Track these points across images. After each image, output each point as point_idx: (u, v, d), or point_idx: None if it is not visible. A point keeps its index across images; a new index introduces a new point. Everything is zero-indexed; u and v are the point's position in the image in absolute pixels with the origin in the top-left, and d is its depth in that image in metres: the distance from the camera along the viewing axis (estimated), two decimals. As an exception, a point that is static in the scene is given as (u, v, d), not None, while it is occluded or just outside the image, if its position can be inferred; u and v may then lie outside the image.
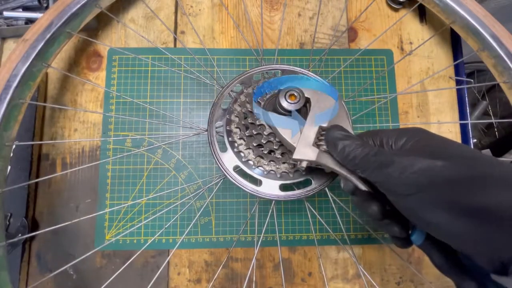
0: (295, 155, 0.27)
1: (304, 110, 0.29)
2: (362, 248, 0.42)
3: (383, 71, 0.45)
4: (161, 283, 0.40)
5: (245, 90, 0.34)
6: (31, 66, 0.34)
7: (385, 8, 0.48)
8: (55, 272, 0.33)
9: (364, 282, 0.40)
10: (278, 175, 0.31)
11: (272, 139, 0.30)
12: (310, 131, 0.27)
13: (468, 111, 0.44)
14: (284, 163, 0.31)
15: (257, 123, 0.31)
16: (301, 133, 0.27)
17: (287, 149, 0.31)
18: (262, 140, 0.30)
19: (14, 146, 0.39)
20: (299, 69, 0.36)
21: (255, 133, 0.31)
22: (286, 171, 0.31)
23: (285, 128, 0.28)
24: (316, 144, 0.27)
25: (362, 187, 0.26)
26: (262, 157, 0.31)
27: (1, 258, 0.31)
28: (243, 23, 0.46)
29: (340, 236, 0.41)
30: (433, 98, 0.46)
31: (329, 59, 0.45)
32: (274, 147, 0.30)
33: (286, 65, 0.36)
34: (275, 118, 0.28)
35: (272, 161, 0.31)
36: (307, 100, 0.29)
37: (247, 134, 0.31)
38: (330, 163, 0.27)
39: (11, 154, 0.39)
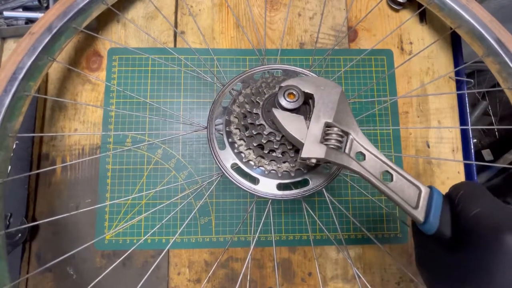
0: (304, 154, 0.26)
1: (303, 108, 0.29)
2: (362, 248, 0.42)
3: (383, 73, 0.45)
4: (161, 283, 0.40)
5: (243, 91, 0.33)
6: (37, 59, 0.34)
7: (385, 8, 0.48)
8: (51, 263, 0.33)
9: (359, 283, 0.40)
10: (279, 174, 0.31)
11: (272, 138, 0.30)
12: (316, 128, 0.27)
13: (468, 112, 0.44)
14: (284, 162, 0.31)
15: (257, 123, 0.31)
16: (307, 129, 0.27)
17: (287, 148, 0.31)
18: (262, 140, 0.30)
19: (14, 146, 0.39)
20: (300, 69, 0.36)
21: (255, 133, 0.31)
22: (287, 170, 0.31)
23: (292, 125, 0.27)
24: (324, 139, 0.27)
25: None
26: (263, 157, 0.31)
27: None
28: (243, 23, 0.46)
29: (340, 236, 0.41)
30: (433, 98, 0.46)
31: (329, 59, 0.45)
32: (275, 147, 0.30)
33: (288, 65, 0.36)
34: (280, 115, 0.28)
35: (273, 160, 0.31)
36: (309, 97, 0.29)
37: (247, 135, 0.31)
38: (342, 160, 0.27)
39: (12, 153, 0.39)
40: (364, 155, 0.28)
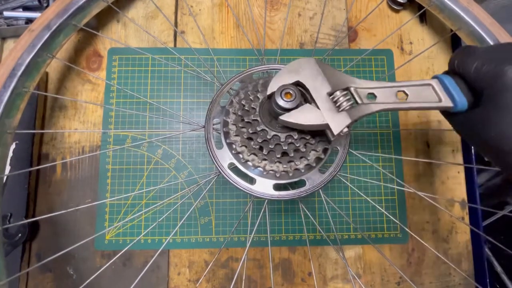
0: (335, 130, 0.27)
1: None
2: (362, 248, 0.42)
3: (383, 73, 0.45)
4: (161, 283, 0.40)
5: (231, 110, 0.32)
6: (36, 56, 0.35)
7: (385, 8, 0.48)
8: (48, 259, 0.33)
9: (353, 284, 0.40)
10: (303, 170, 0.31)
11: (290, 140, 0.30)
12: (325, 103, 0.27)
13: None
14: (302, 157, 0.31)
15: (258, 129, 0.30)
16: (320, 110, 0.27)
17: (306, 139, 0.30)
18: (270, 146, 0.30)
19: (14, 146, 0.39)
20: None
21: (260, 141, 0.30)
22: (319, 156, 0.31)
23: (308, 117, 0.28)
24: (337, 107, 0.27)
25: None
26: (280, 162, 0.31)
27: None
28: (243, 23, 0.46)
29: (340, 236, 0.41)
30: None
31: (329, 59, 0.45)
32: (297, 145, 0.30)
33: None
34: (291, 117, 0.28)
35: (291, 161, 0.31)
36: (296, 84, 0.29)
37: (255, 147, 0.31)
38: (364, 111, 0.27)
39: (11, 154, 0.39)
40: (373, 94, 0.29)
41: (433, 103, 0.28)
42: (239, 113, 0.31)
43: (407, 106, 0.28)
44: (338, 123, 0.27)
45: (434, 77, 0.29)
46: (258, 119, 0.30)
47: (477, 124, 0.26)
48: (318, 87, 0.28)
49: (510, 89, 0.24)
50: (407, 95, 0.29)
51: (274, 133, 0.30)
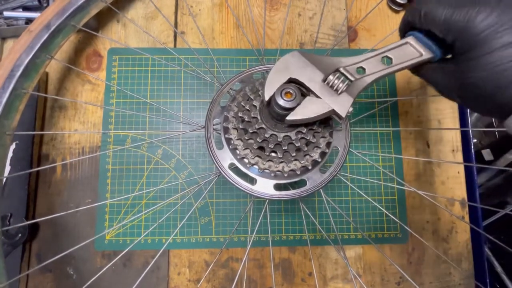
0: (342, 113, 0.28)
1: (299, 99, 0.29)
2: (362, 248, 0.42)
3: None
4: (161, 283, 0.40)
5: (231, 127, 0.32)
6: (35, 57, 0.35)
7: (385, 8, 0.48)
8: (49, 261, 0.32)
9: (354, 283, 0.40)
10: (310, 167, 0.31)
11: (291, 139, 0.30)
12: (323, 91, 0.28)
13: (468, 112, 0.44)
14: (315, 147, 0.31)
15: (267, 136, 0.30)
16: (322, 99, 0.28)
17: (313, 129, 0.30)
18: (283, 147, 0.30)
19: (14, 146, 0.39)
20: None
21: (272, 146, 0.30)
22: (329, 141, 0.31)
23: (314, 108, 0.28)
24: (336, 90, 0.28)
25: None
26: (297, 159, 0.31)
27: None
28: (243, 23, 0.46)
29: (340, 236, 0.41)
30: (433, 98, 0.46)
31: (329, 59, 0.45)
32: (297, 145, 0.30)
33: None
34: (299, 114, 0.28)
35: (307, 154, 0.31)
36: (289, 81, 0.29)
37: (268, 154, 0.31)
38: (360, 86, 0.28)
39: (11, 154, 0.39)
40: (361, 67, 0.29)
41: (416, 59, 0.29)
42: (240, 127, 0.31)
43: (396, 68, 0.29)
44: (343, 105, 0.28)
45: (407, 34, 0.30)
46: (263, 126, 0.30)
47: (452, 74, 0.26)
48: (311, 77, 0.28)
49: (479, 42, 0.23)
50: (391, 59, 0.29)
51: (284, 134, 0.30)
